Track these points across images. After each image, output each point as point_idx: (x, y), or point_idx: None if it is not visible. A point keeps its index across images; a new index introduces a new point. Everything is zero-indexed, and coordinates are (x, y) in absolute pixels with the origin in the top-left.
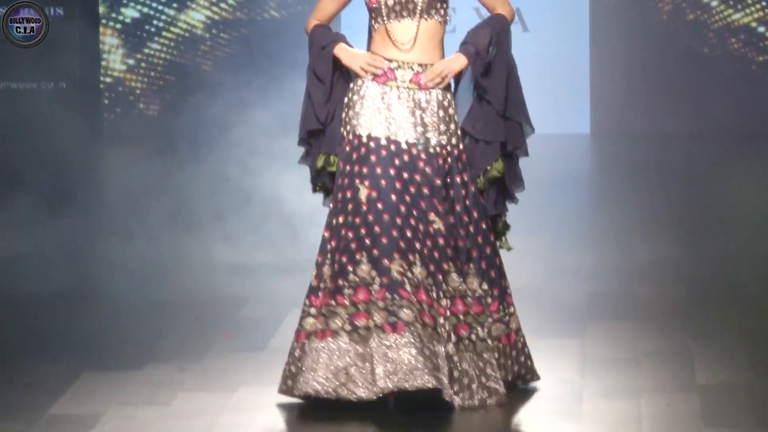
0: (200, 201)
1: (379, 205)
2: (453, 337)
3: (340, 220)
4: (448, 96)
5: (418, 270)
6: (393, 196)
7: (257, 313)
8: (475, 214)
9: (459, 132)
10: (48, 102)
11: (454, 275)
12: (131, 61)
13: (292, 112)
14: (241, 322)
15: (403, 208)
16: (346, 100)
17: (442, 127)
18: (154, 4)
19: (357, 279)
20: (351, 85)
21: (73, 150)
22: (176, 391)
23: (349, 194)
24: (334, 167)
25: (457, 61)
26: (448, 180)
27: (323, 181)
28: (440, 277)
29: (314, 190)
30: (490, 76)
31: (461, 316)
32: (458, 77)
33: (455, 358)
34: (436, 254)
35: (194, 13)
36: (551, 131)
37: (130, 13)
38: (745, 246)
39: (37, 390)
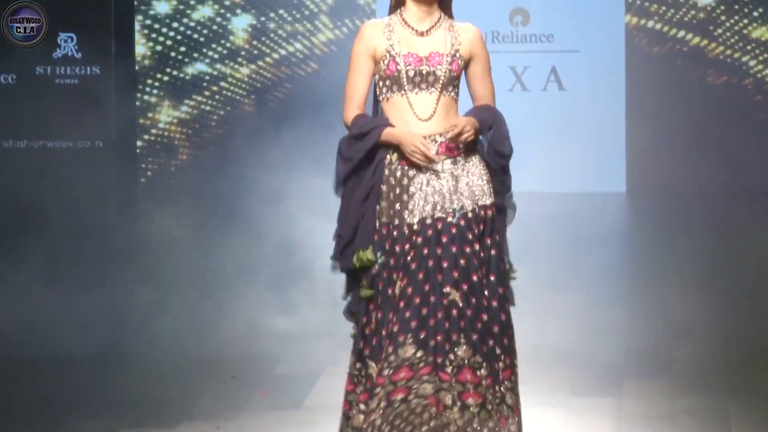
0: (236, 261)
1: (426, 287)
2: (458, 403)
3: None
4: (477, 158)
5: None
6: (438, 277)
7: (293, 371)
8: (492, 278)
9: (492, 191)
10: (84, 161)
11: (464, 347)
12: (168, 119)
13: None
14: (276, 380)
15: (447, 288)
16: (384, 188)
17: (477, 190)
18: (193, 62)
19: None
20: (385, 172)
21: (109, 209)
22: None
23: (380, 287)
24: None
25: (474, 123)
26: (478, 244)
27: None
28: (447, 347)
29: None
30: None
31: (469, 385)
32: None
33: (459, 422)
34: (446, 324)
35: (237, 69)
36: (587, 190)
37: (168, 70)
38: None
39: None
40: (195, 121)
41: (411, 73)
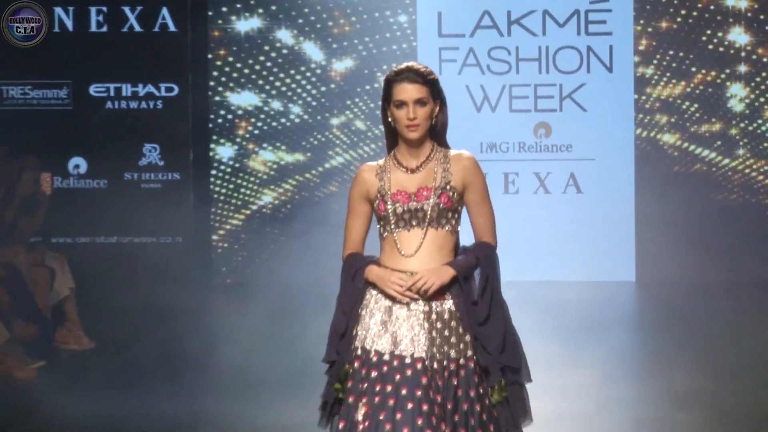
0: (311, 357)
1: (367, 423)
2: None
3: None
4: (459, 304)
5: None
6: (381, 415)
7: None
8: (491, 428)
9: (471, 345)
10: (166, 254)
11: None
12: (241, 217)
13: None
14: None
15: (388, 427)
16: (362, 314)
17: (454, 340)
18: (264, 158)
19: None
20: (364, 298)
21: (186, 302)
22: None
23: (348, 413)
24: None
25: (446, 273)
26: (459, 393)
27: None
28: None
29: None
30: (485, 324)
31: None
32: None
33: None
34: None
35: (309, 162)
36: (601, 279)
37: (235, 174)
38: None
39: None
40: (272, 214)
41: (399, 211)
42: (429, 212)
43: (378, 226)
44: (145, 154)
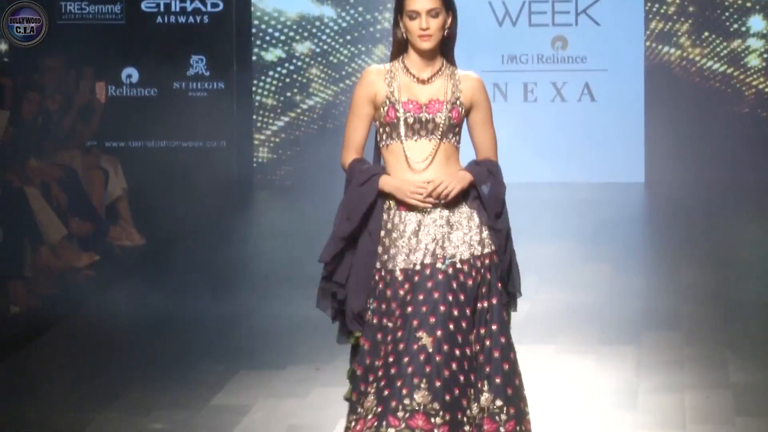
0: None
1: (399, 334)
2: None
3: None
4: (475, 209)
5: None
6: (414, 322)
7: None
8: (495, 327)
9: (490, 241)
10: (210, 157)
11: (423, 392)
12: (280, 123)
13: None
14: None
15: (420, 333)
16: (382, 234)
17: (472, 241)
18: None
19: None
20: (383, 217)
21: (229, 202)
22: (312, 386)
23: (372, 333)
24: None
25: (465, 177)
26: (482, 291)
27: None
28: (405, 392)
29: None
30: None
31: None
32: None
33: None
34: (410, 369)
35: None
36: (613, 180)
37: (278, 81)
38: None
39: (202, 386)
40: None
41: (410, 120)
42: (441, 125)
43: (379, 134)
44: (192, 65)
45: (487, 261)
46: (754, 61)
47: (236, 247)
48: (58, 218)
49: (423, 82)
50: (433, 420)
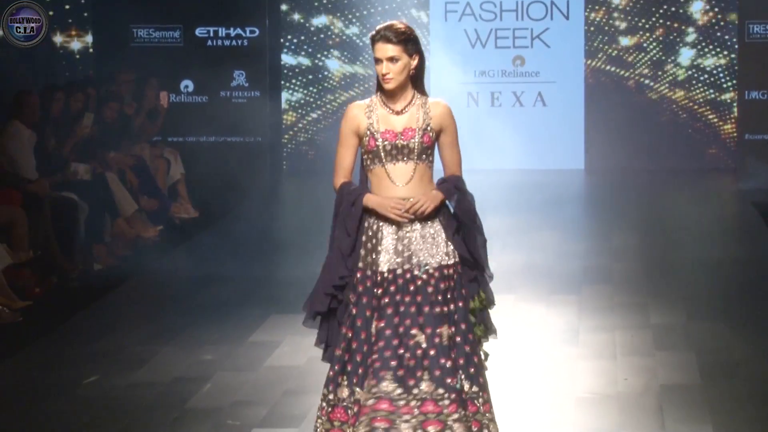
0: None
1: (388, 332)
2: (419, 431)
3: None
4: (441, 224)
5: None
6: (407, 321)
7: None
8: (463, 327)
9: (454, 253)
10: (248, 151)
11: (427, 382)
12: (305, 121)
13: None
14: None
15: (414, 331)
16: (363, 239)
17: (440, 252)
18: (324, 66)
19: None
20: (365, 224)
21: (262, 185)
22: None
23: (353, 323)
24: None
25: (437, 196)
26: (449, 296)
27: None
28: (411, 383)
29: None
30: (462, 233)
31: (430, 415)
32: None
33: None
34: (412, 362)
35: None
36: (556, 167)
37: (303, 87)
38: (682, 236)
39: (242, 326)
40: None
41: (388, 147)
42: (415, 149)
43: (364, 159)
44: (235, 78)
45: (451, 271)
46: (681, 76)
47: (269, 220)
48: (131, 197)
49: (398, 113)
50: (440, 403)
